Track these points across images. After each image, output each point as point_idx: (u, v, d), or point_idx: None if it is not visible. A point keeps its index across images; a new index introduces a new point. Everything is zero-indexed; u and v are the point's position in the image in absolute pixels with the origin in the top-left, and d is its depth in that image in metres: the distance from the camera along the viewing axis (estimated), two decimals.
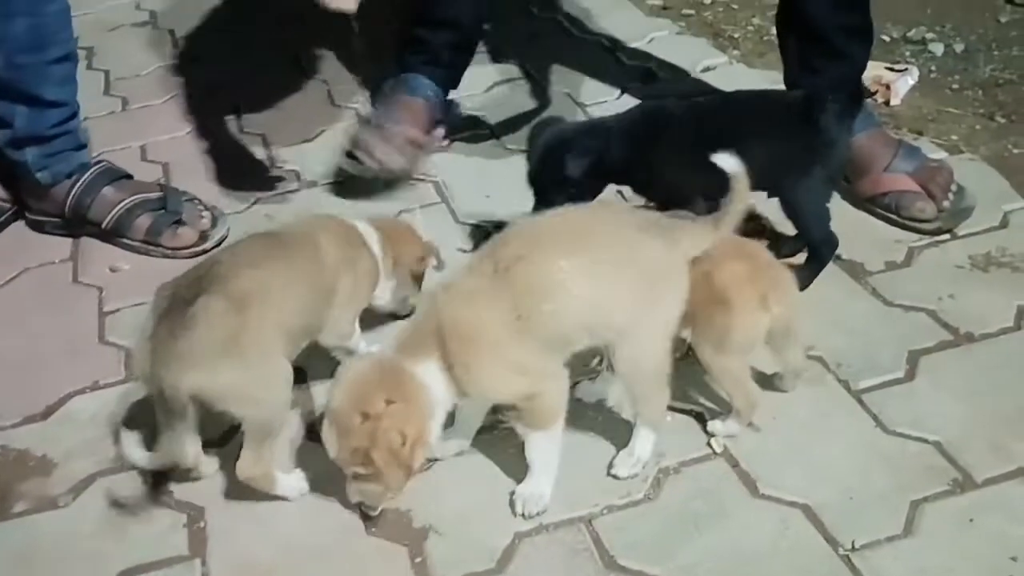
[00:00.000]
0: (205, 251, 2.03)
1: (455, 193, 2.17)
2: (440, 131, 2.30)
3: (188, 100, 2.65)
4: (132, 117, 2.61)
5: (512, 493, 1.48)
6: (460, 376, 1.38)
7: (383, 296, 1.71)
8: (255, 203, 2.19)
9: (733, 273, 1.47)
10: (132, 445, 1.49)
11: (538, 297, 1.37)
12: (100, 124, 2.57)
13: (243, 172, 2.32)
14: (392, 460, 1.35)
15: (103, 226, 2.09)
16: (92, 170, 2.12)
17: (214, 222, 2.10)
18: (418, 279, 1.76)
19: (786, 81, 2.13)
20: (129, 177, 2.17)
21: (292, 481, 1.51)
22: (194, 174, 2.33)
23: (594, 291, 1.38)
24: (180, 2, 3.28)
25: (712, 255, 1.46)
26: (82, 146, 2.14)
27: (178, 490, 1.54)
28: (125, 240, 2.10)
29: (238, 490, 1.53)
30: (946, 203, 1.93)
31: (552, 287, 1.37)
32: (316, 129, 2.46)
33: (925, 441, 1.51)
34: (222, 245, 2.02)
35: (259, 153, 2.39)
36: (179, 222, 2.08)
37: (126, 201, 2.09)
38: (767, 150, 1.64)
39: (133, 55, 2.93)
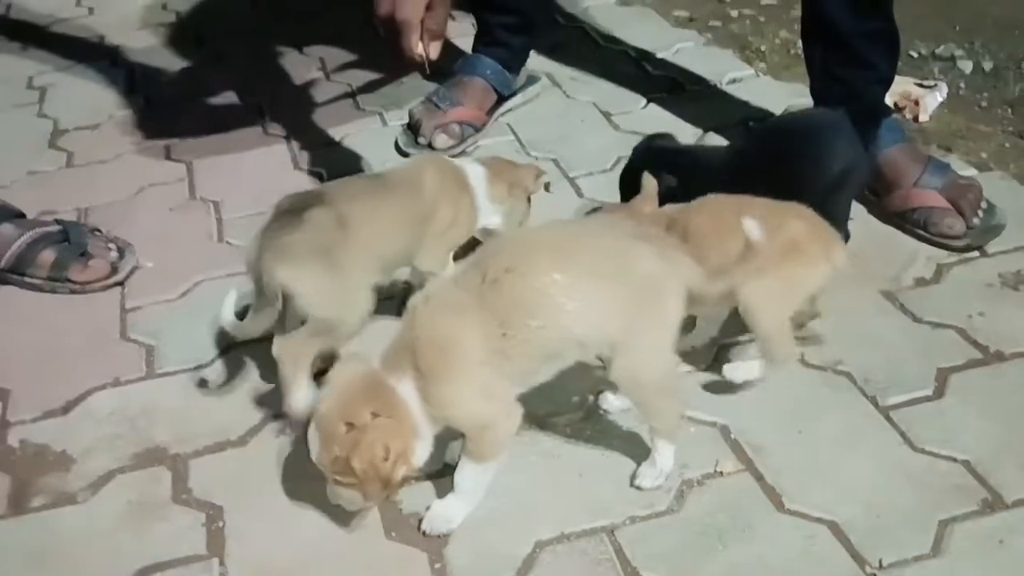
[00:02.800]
0: (117, 283, 1.97)
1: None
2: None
3: (213, 100, 2.66)
4: (156, 116, 2.61)
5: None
6: (431, 392, 1.35)
7: (495, 221, 1.84)
8: None
9: (799, 227, 1.56)
10: (229, 310, 1.58)
11: (527, 312, 1.34)
12: (124, 122, 2.60)
13: (266, 173, 2.32)
14: (372, 473, 1.32)
15: (0, 266, 1.97)
16: None
17: (121, 253, 2.00)
18: (529, 201, 1.89)
19: (812, 92, 2.12)
20: (23, 215, 2.06)
21: (304, 394, 1.55)
22: (217, 174, 2.33)
23: (587, 304, 1.35)
24: (206, 3, 3.30)
25: (768, 213, 1.56)
26: None
27: (197, 488, 1.53)
28: (27, 278, 1.97)
29: (258, 491, 1.52)
30: (976, 220, 1.91)
31: (541, 301, 1.34)
32: (340, 133, 2.46)
33: (954, 460, 1.49)
34: (133, 275, 1.99)
35: (282, 155, 2.39)
36: (86, 254, 1.96)
37: (26, 236, 1.97)
38: (813, 175, 1.71)
39: (159, 54, 2.94)
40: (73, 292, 1.96)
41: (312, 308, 1.55)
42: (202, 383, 1.72)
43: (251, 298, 1.60)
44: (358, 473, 1.32)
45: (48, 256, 1.96)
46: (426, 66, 1.72)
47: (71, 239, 1.99)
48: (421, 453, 1.38)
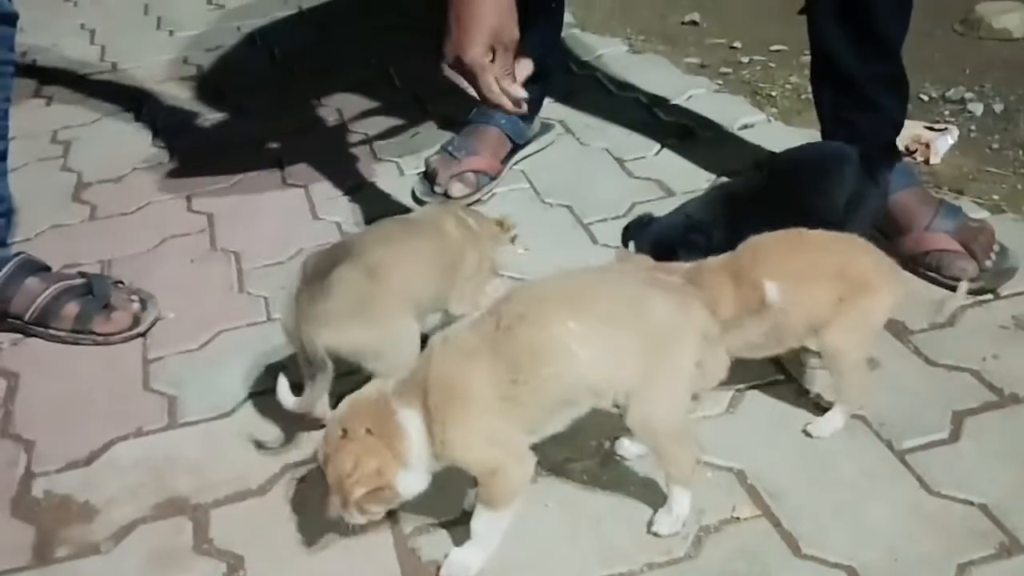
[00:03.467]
0: (140, 335, 2.00)
1: None
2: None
3: (233, 152, 2.71)
4: (179, 168, 2.66)
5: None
6: (436, 432, 1.36)
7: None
8: (297, 253, 2.22)
9: (867, 261, 1.60)
10: (284, 389, 1.57)
11: (539, 359, 1.35)
12: (147, 175, 2.65)
13: (286, 223, 2.36)
14: (336, 482, 1.36)
15: (25, 318, 2.01)
16: (12, 263, 2.03)
17: (144, 305, 2.03)
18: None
19: (823, 135, 2.15)
20: (48, 269, 2.08)
21: None
22: (238, 224, 2.37)
23: (601, 352, 1.37)
24: (226, 57, 3.37)
25: (833, 251, 1.61)
26: (3, 243, 2.07)
27: (218, 538, 1.55)
28: (51, 331, 2.00)
29: (278, 540, 1.53)
30: (988, 263, 1.92)
31: (555, 349, 1.36)
32: (358, 181, 2.50)
33: (971, 503, 1.49)
34: (155, 326, 2.03)
35: (301, 204, 2.43)
36: (109, 307, 2.00)
37: (51, 290, 2.00)
38: (821, 206, 1.76)
39: (181, 107, 3.00)
40: (96, 344, 1.99)
41: (367, 363, 1.59)
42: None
43: (303, 369, 1.61)
44: (329, 479, 1.36)
45: (72, 309, 2.00)
46: (517, 104, 1.70)
47: (94, 292, 2.02)
48: (409, 485, 1.39)
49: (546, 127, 2.60)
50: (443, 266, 1.72)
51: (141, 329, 2.01)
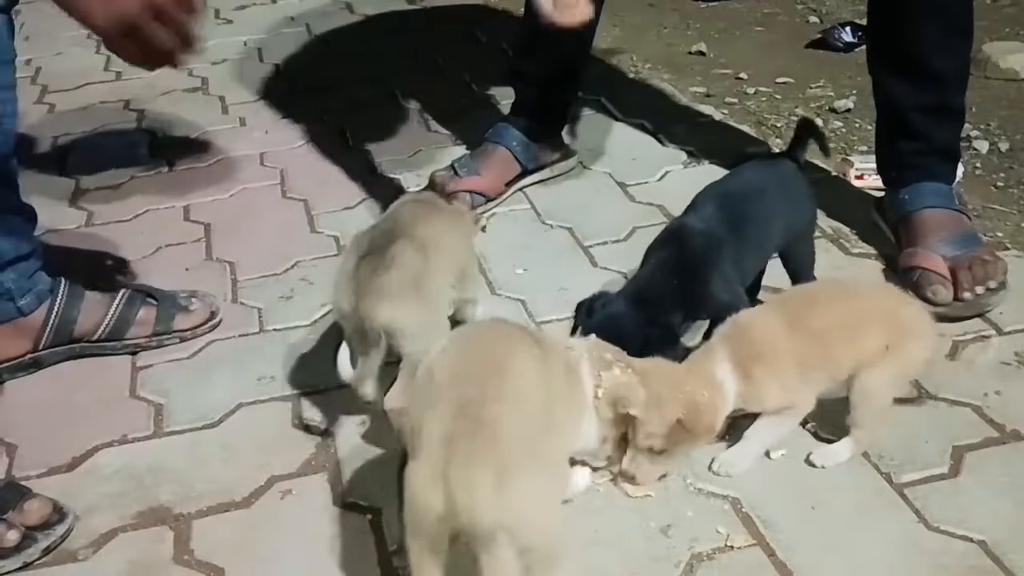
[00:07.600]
0: (217, 324, 1.98)
1: (492, 265, 2.17)
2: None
3: (233, 163, 2.70)
4: (178, 178, 2.65)
5: None
6: None
7: None
8: (294, 266, 2.20)
9: (915, 310, 1.63)
10: (345, 359, 1.61)
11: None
12: (146, 184, 2.63)
13: (283, 235, 2.34)
14: None
15: (95, 337, 1.89)
16: (64, 282, 1.89)
17: (210, 302, 2.01)
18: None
19: (876, 162, 2.21)
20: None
21: None
22: (234, 235, 2.35)
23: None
24: (230, 70, 3.37)
25: (878, 300, 1.63)
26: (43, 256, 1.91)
27: (199, 550, 1.51)
28: (127, 341, 1.91)
29: (260, 554, 1.50)
30: (968, 295, 1.89)
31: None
32: (357, 197, 2.48)
33: (970, 540, 1.45)
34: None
35: (300, 218, 2.41)
36: (178, 304, 1.96)
37: (118, 299, 1.92)
38: (779, 221, 1.79)
39: (182, 119, 2.99)
40: (183, 340, 1.95)
41: (406, 342, 1.58)
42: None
43: (355, 345, 1.61)
44: None
45: (148, 313, 1.93)
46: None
47: (156, 296, 1.97)
48: None
49: (569, 152, 2.56)
50: (468, 244, 1.81)
51: (216, 320, 1.99)
